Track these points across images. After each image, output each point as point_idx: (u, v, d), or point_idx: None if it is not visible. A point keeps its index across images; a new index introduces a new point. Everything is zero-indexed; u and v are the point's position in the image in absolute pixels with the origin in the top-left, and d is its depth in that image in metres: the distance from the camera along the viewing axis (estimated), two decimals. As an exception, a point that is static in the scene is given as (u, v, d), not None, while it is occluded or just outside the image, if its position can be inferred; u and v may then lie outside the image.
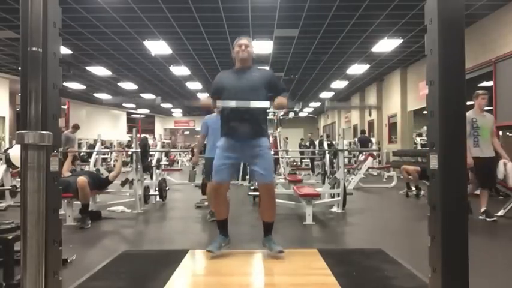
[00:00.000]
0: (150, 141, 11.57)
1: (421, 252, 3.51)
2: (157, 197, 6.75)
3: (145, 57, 11.32)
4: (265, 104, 2.84)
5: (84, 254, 3.60)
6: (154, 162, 7.35)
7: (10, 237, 2.54)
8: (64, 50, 10.12)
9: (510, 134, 8.69)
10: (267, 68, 12.34)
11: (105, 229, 4.82)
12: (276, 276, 2.58)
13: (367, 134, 16.97)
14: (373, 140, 14.89)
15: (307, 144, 14.80)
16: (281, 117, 10.44)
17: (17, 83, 11.37)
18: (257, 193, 5.93)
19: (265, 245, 2.91)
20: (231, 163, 2.92)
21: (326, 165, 6.90)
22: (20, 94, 1.66)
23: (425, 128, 12.81)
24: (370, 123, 16.64)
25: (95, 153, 7.04)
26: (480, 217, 4.89)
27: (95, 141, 9.22)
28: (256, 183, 2.98)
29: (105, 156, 10.02)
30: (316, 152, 10.56)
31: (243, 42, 2.96)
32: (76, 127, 10.11)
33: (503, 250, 3.80)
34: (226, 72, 3.03)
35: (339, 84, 15.87)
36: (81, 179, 4.87)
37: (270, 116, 9.60)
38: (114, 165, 9.24)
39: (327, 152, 7.01)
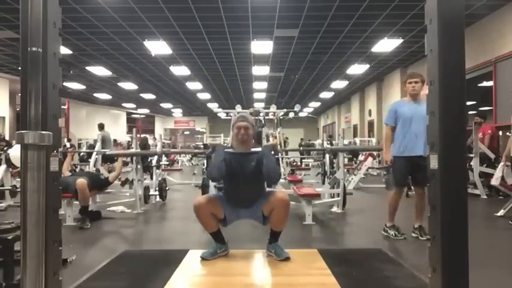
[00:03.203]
0: (150, 142, 11.57)
1: (421, 252, 3.52)
2: (157, 197, 6.75)
3: (145, 57, 11.32)
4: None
5: (84, 254, 3.60)
6: (154, 162, 7.35)
7: (10, 237, 2.54)
8: (64, 50, 10.12)
9: (510, 134, 8.69)
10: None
11: (105, 229, 4.81)
12: (276, 276, 2.58)
13: (367, 134, 16.99)
14: (373, 140, 14.91)
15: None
16: (281, 117, 10.42)
17: (17, 83, 11.38)
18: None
19: (271, 251, 2.86)
20: (230, 205, 2.92)
21: (326, 165, 6.90)
22: (20, 94, 1.66)
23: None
24: (370, 123, 16.64)
25: (94, 153, 7.04)
26: None
27: (95, 141, 9.22)
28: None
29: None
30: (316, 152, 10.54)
31: (243, 125, 2.87)
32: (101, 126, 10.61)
33: (503, 250, 3.80)
34: (228, 154, 2.89)
35: (339, 84, 15.88)
36: (81, 181, 4.85)
37: (270, 116, 9.60)
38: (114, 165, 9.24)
39: (326, 152, 7.00)
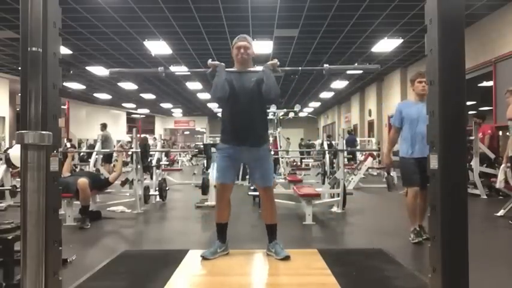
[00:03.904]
0: (150, 142, 11.57)
1: (421, 252, 3.52)
2: (157, 197, 6.75)
3: (145, 57, 11.32)
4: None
5: (84, 254, 3.60)
6: (154, 162, 7.36)
7: (10, 237, 2.54)
8: (64, 50, 10.12)
9: (509, 134, 8.69)
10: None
11: (105, 229, 4.81)
12: (276, 276, 2.58)
13: (367, 134, 16.96)
14: (373, 140, 14.91)
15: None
16: (281, 117, 10.44)
17: (17, 83, 11.37)
18: (257, 193, 5.91)
19: (271, 250, 2.87)
20: (232, 164, 2.91)
21: (326, 165, 6.90)
22: (20, 94, 1.66)
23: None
24: (370, 123, 16.64)
25: (94, 153, 7.04)
26: None
27: (95, 141, 9.22)
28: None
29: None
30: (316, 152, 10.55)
31: (242, 44, 2.84)
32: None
33: (503, 250, 3.81)
34: (228, 74, 2.85)
35: (339, 84, 15.88)
36: (82, 181, 4.85)
37: (270, 116, 9.60)
38: (114, 166, 9.24)
39: (327, 152, 7.02)
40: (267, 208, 2.95)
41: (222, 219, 2.92)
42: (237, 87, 2.80)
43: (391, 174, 4.63)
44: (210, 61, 2.90)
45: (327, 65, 2.87)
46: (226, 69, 2.85)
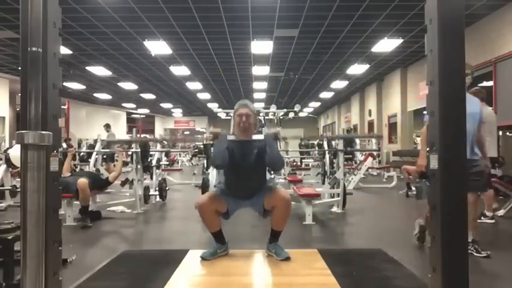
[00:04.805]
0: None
1: (421, 252, 3.52)
2: (157, 197, 6.75)
3: (145, 57, 11.31)
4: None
5: (84, 254, 3.60)
6: (154, 162, 7.36)
7: (10, 237, 2.54)
8: (64, 50, 10.12)
9: (510, 134, 8.69)
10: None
11: (105, 229, 4.82)
12: (276, 276, 2.58)
13: (366, 133, 16.93)
14: (373, 140, 14.88)
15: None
16: (281, 117, 10.43)
17: (17, 83, 11.37)
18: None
19: (271, 250, 2.86)
20: (231, 200, 2.91)
21: (326, 165, 6.90)
22: (20, 94, 1.66)
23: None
24: (370, 123, 16.64)
25: (94, 153, 7.04)
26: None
27: (95, 141, 9.21)
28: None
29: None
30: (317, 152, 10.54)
31: (244, 112, 2.88)
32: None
33: (503, 250, 3.80)
34: (230, 142, 2.88)
35: (339, 84, 15.87)
36: (82, 181, 4.85)
37: (270, 116, 9.60)
38: (114, 165, 9.24)
39: (326, 152, 7.01)
40: (282, 216, 2.83)
41: (213, 229, 2.89)
42: (238, 155, 2.84)
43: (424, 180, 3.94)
44: (211, 129, 2.96)
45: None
46: (229, 139, 2.90)
